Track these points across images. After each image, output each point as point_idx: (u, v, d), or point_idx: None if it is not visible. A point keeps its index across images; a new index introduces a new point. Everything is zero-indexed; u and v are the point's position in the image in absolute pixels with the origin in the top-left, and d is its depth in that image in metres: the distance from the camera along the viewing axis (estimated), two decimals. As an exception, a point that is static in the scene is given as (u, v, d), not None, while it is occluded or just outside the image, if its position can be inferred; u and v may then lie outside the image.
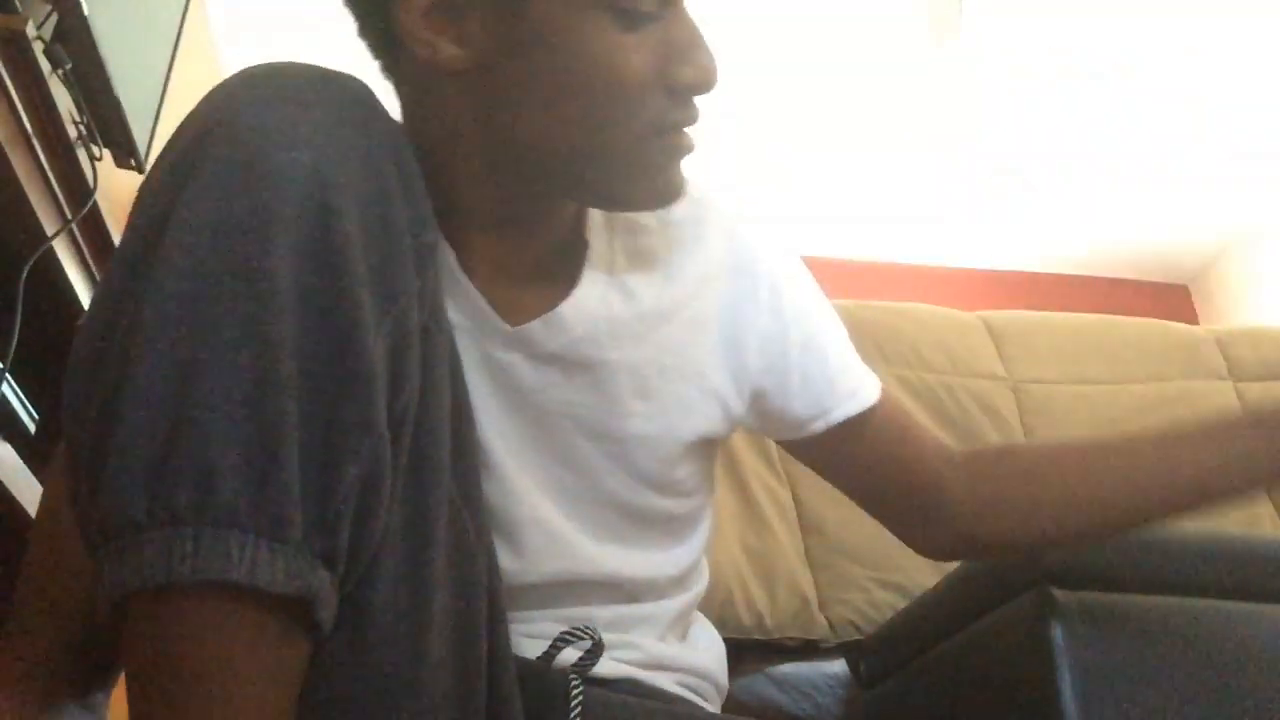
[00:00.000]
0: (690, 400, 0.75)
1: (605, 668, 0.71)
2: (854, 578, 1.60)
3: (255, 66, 0.57)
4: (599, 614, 0.74)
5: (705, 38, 0.64)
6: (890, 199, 3.79)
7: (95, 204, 1.20)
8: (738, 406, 0.77)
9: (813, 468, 0.85)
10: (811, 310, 0.79)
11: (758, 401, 0.78)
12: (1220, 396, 1.91)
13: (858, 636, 1.54)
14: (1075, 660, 0.92)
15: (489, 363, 0.70)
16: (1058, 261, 4.14)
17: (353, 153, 0.53)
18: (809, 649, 1.54)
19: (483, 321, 0.69)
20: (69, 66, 1.13)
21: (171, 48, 1.59)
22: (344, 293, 0.50)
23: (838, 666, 1.53)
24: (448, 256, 0.67)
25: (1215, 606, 0.96)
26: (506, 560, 0.69)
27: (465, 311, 0.68)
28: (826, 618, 1.56)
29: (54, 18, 1.13)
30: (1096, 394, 1.87)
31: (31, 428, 1.22)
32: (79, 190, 1.19)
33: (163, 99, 1.51)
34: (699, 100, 0.66)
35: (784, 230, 0.83)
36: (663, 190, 0.68)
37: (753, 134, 3.44)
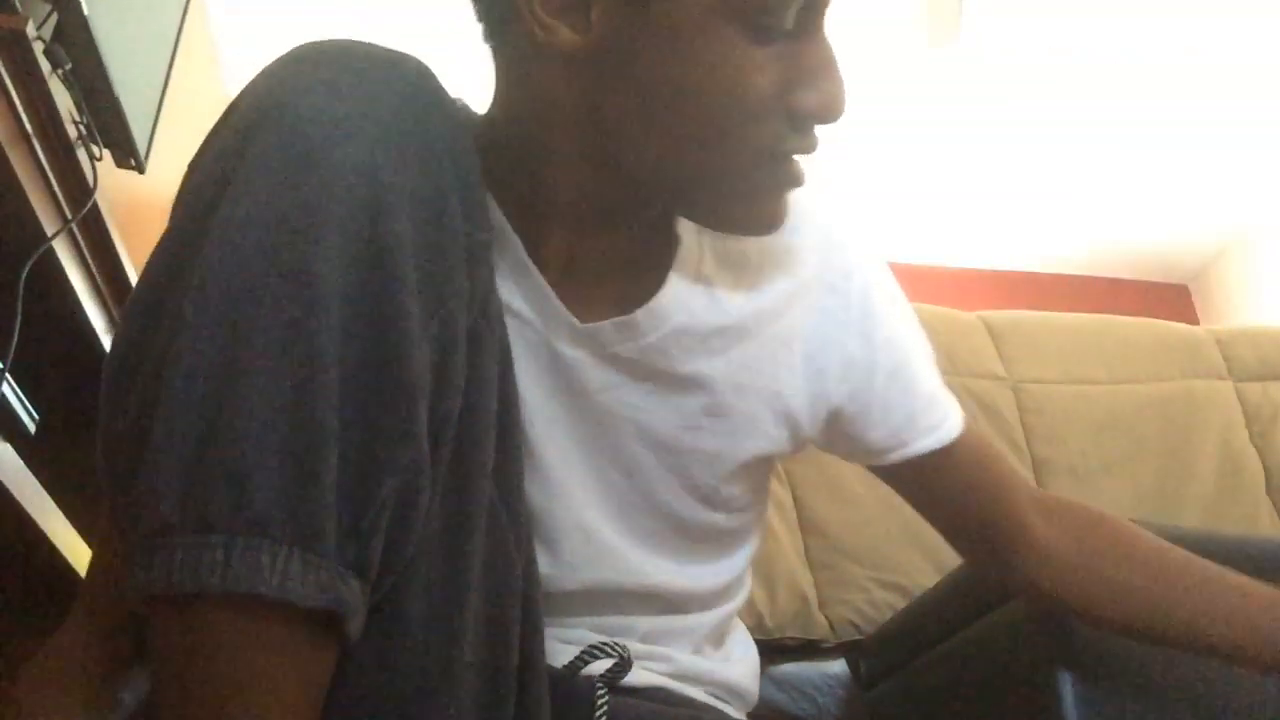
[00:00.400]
0: (761, 420, 0.72)
1: (635, 676, 0.69)
2: (854, 578, 1.60)
3: (312, 45, 0.53)
4: (635, 624, 0.72)
5: (837, 63, 0.59)
6: (891, 199, 3.79)
7: (95, 204, 1.20)
8: (810, 428, 0.74)
9: (891, 486, 0.82)
10: (902, 335, 0.76)
11: (834, 424, 0.75)
12: (1220, 396, 1.91)
13: (858, 636, 1.54)
14: (1075, 661, 0.92)
15: (554, 358, 0.67)
16: (1058, 261, 4.14)
17: (409, 147, 0.51)
18: (809, 649, 1.54)
19: (551, 315, 0.66)
20: (69, 66, 1.13)
21: (171, 48, 1.59)
22: (391, 299, 0.48)
23: (838, 666, 1.53)
24: (516, 247, 0.64)
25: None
26: (543, 565, 0.67)
27: (533, 304, 0.66)
28: (826, 618, 1.56)
29: (54, 18, 1.13)
30: (1096, 394, 1.87)
31: (31, 428, 1.22)
32: (79, 190, 1.19)
33: (163, 99, 1.51)
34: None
35: (866, 237, 0.80)
36: (765, 218, 0.64)
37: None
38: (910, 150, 3.55)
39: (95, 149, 1.24)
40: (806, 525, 1.66)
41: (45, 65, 1.09)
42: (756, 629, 1.52)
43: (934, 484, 0.79)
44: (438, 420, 0.51)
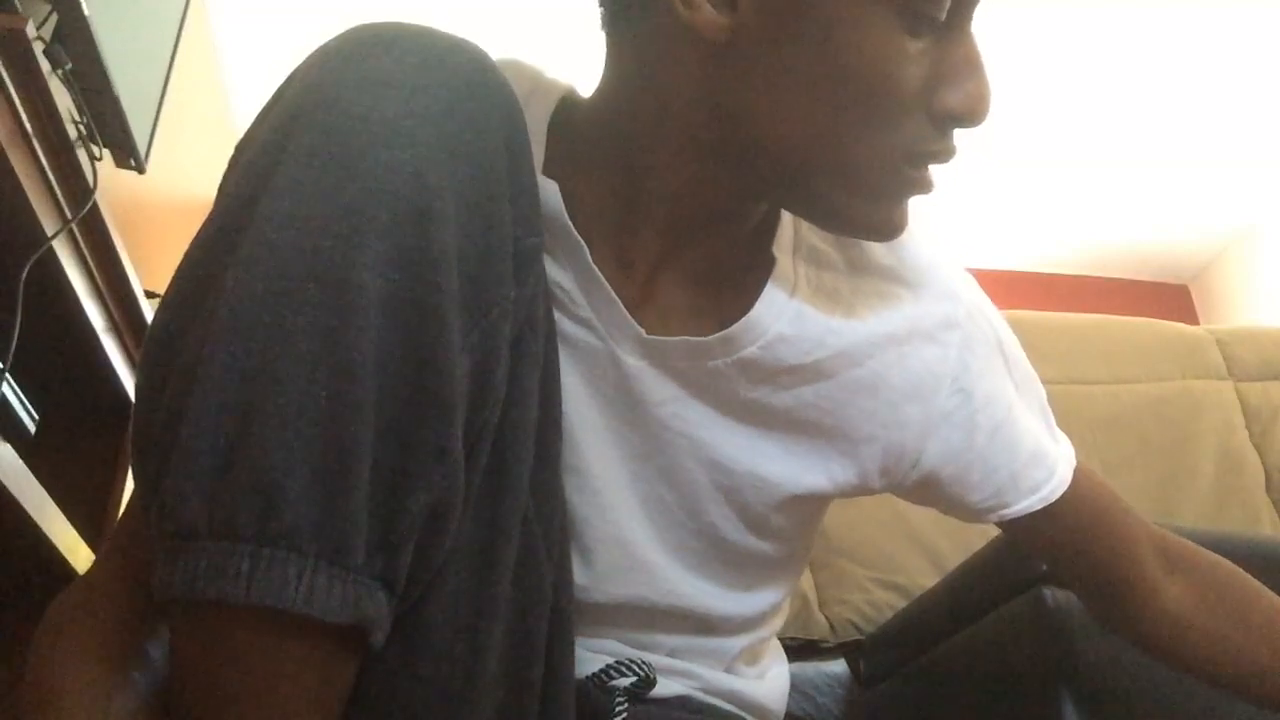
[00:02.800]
0: (826, 459, 0.69)
1: (661, 688, 0.68)
2: (854, 578, 1.60)
3: (367, 29, 0.51)
4: (664, 640, 0.71)
5: (984, 64, 0.57)
6: (890, 199, 3.79)
7: (95, 204, 1.20)
8: (882, 480, 0.71)
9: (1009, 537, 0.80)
10: (1006, 391, 0.72)
11: (929, 484, 0.72)
12: (1220, 396, 1.91)
13: (858, 636, 1.54)
14: (1075, 660, 0.92)
15: (614, 366, 0.64)
16: (1058, 261, 4.14)
17: (460, 149, 0.48)
18: (809, 649, 1.54)
19: (616, 322, 0.63)
20: (69, 66, 1.13)
21: (171, 48, 1.59)
22: (433, 312, 0.46)
23: (838, 666, 1.53)
24: (581, 250, 0.62)
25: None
26: (577, 575, 0.65)
27: (597, 309, 0.63)
28: (826, 618, 1.56)
29: (54, 18, 1.13)
30: (1096, 394, 1.87)
31: (31, 428, 1.22)
32: (79, 190, 1.19)
33: (163, 99, 1.51)
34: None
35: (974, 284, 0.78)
36: (888, 223, 0.60)
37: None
38: (910, 150, 3.55)
39: (95, 149, 1.24)
40: (806, 525, 1.66)
41: (45, 65, 1.09)
42: (756, 629, 1.52)
43: (1045, 539, 0.76)
44: (475, 430, 0.49)
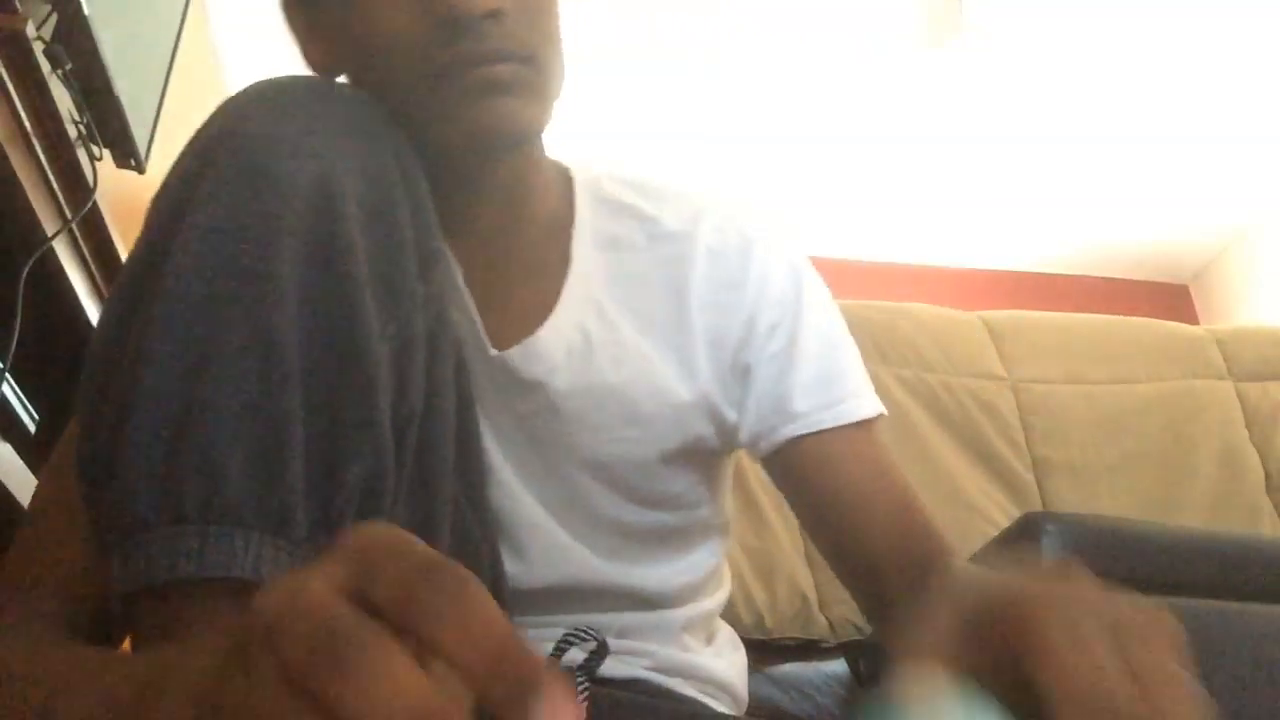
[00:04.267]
0: (680, 416, 0.73)
1: (614, 669, 0.71)
2: (854, 578, 1.60)
3: (264, 80, 0.58)
4: (610, 621, 0.73)
5: None
6: (890, 199, 3.79)
7: (95, 204, 1.20)
8: (725, 415, 0.75)
9: (780, 489, 0.79)
10: (800, 323, 0.75)
11: (751, 385, 0.74)
12: (1220, 396, 1.91)
13: (858, 636, 1.54)
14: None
15: (488, 379, 0.70)
16: (1058, 261, 4.14)
17: (357, 162, 0.55)
18: (809, 649, 1.54)
19: (477, 343, 0.69)
20: (69, 66, 1.13)
21: (171, 48, 1.58)
22: (348, 296, 0.51)
23: (838, 666, 1.53)
24: (456, 272, 0.68)
25: (1215, 606, 0.96)
26: (511, 564, 0.69)
27: (466, 328, 0.69)
28: (826, 618, 1.56)
29: (54, 18, 1.13)
30: (1096, 394, 1.87)
31: (31, 428, 1.22)
32: (79, 190, 1.19)
33: (163, 99, 1.51)
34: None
35: (783, 231, 0.81)
36: (474, 130, 0.63)
37: (752, 134, 3.44)
38: (910, 150, 3.55)
39: (95, 149, 1.24)
40: (806, 525, 1.66)
41: (45, 65, 1.09)
42: (756, 629, 1.52)
43: (813, 476, 0.74)
44: (401, 420, 0.53)
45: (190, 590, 0.46)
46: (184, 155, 0.56)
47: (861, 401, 0.75)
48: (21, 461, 1.02)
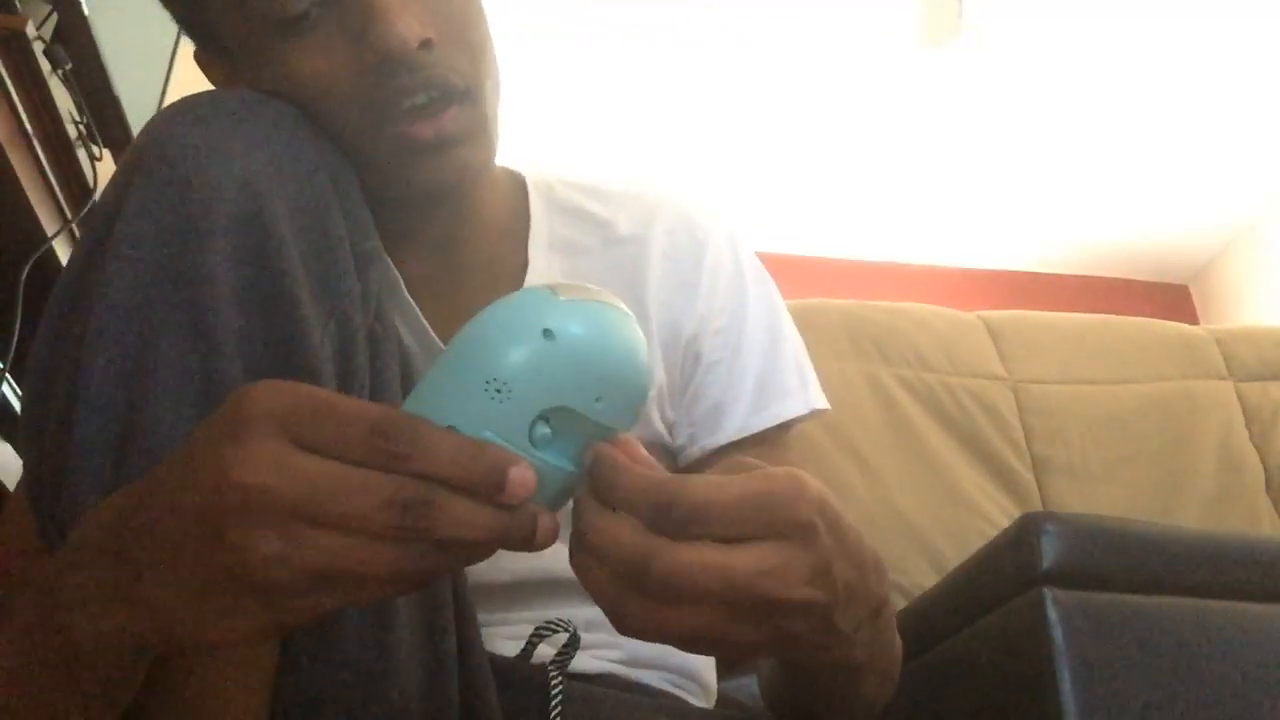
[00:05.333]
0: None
1: (587, 664, 0.71)
2: (854, 578, 1.60)
3: (185, 97, 0.58)
4: (578, 613, 0.72)
5: (381, 6, 0.61)
6: (890, 199, 3.79)
7: (95, 204, 1.20)
8: (671, 413, 0.76)
9: None
10: (744, 329, 0.77)
11: (697, 374, 0.76)
12: (1220, 396, 1.91)
13: (857, 636, 1.54)
14: (1075, 660, 0.92)
15: None
16: (1058, 261, 4.14)
17: (284, 164, 0.55)
18: (809, 649, 1.54)
19: (429, 347, 0.69)
20: (69, 66, 1.13)
21: (171, 48, 1.59)
22: (283, 293, 0.51)
23: (838, 666, 1.53)
24: (397, 277, 0.68)
25: (1215, 606, 0.96)
26: None
27: (415, 335, 0.69)
28: (826, 618, 1.55)
29: (54, 18, 1.13)
30: (1096, 394, 1.87)
31: (31, 428, 1.21)
32: (79, 190, 1.19)
33: (163, 99, 1.51)
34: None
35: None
36: (427, 186, 0.65)
37: (752, 134, 3.44)
38: (910, 150, 3.55)
39: (95, 149, 1.24)
40: (806, 525, 1.65)
41: (45, 65, 1.09)
42: (756, 629, 1.51)
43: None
44: None
45: None
46: (116, 173, 0.56)
47: (789, 403, 0.77)
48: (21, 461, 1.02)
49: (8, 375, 1.05)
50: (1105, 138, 3.45)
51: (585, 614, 0.73)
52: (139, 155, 0.53)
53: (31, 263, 1.08)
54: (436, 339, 0.69)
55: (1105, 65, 3.15)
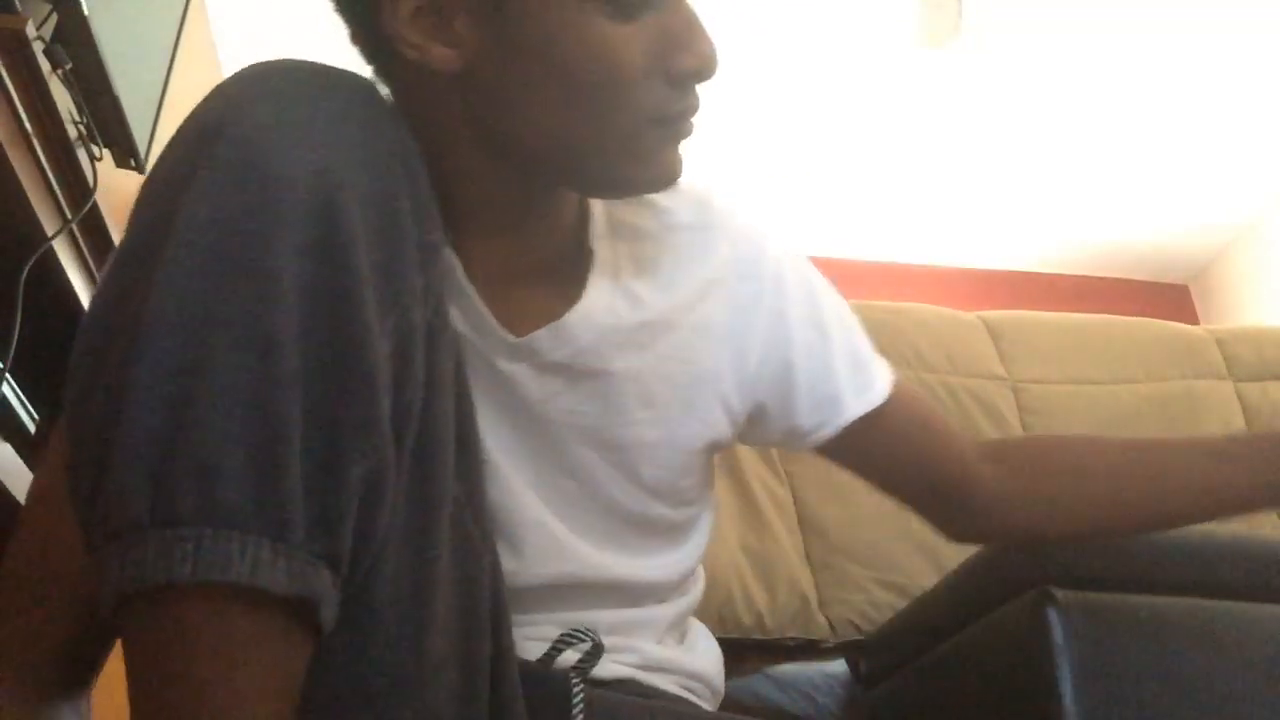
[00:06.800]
0: (696, 407, 0.75)
1: (605, 669, 0.71)
2: (854, 578, 1.60)
3: (258, 64, 0.56)
4: (600, 617, 0.74)
5: (703, 24, 0.64)
6: (890, 199, 3.79)
7: (95, 204, 1.20)
8: (741, 414, 0.78)
9: (842, 465, 0.85)
10: (817, 314, 0.79)
11: (760, 412, 0.79)
12: (1220, 396, 1.91)
13: (858, 636, 1.54)
14: (1075, 660, 0.92)
15: (493, 374, 0.69)
16: (1058, 261, 4.14)
17: (358, 151, 0.53)
18: (809, 649, 1.54)
19: (487, 331, 0.68)
20: (69, 66, 1.13)
21: (171, 48, 1.58)
22: (348, 292, 0.50)
23: (838, 666, 1.53)
24: (454, 263, 0.66)
25: (1215, 606, 0.96)
26: (507, 561, 0.68)
27: (469, 320, 0.68)
28: (826, 618, 1.56)
29: (54, 18, 1.13)
30: (1096, 394, 1.87)
31: (31, 428, 1.22)
32: (79, 190, 1.19)
33: (163, 99, 1.51)
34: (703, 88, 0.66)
35: (783, 231, 0.83)
36: (663, 174, 0.67)
37: (752, 134, 3.44)
38: (910, 150, 3.55)
39: (95, 149, 1.24)
40: (806, 525, 1.66)
41: (45, 65, 1.08)
42: (756, 629, 1.52)
43: (874, 448, 0.81)
44: (399, 414, 0.52)
45: (185, 594, 0.45)
46: (175, 144, 0.54)
47: (885, 372, 0.81)
48: (21, 461, 1.02)
49: (8, 375, 1.04)
50: (1105, 138, 3.45)
51: (607, 618, 0.74)
52: (210, 133, 0.51)
53: (31, 263, 1.07)
54: (496, 324, 0.68)
55: (1105, 65, 3.15)
